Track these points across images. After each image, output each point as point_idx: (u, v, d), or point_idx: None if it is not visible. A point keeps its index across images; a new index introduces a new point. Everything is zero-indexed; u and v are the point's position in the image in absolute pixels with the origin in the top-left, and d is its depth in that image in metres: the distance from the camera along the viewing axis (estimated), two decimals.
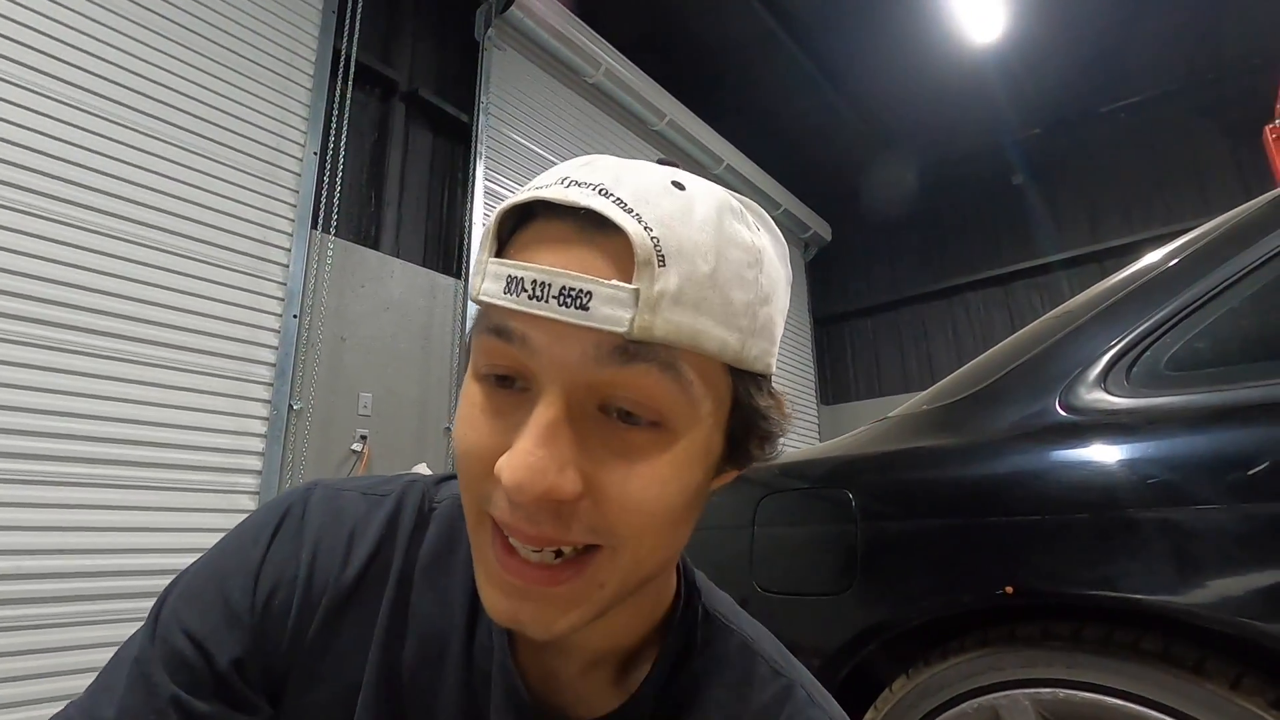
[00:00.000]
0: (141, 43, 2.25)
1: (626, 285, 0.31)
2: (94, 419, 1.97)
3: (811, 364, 6.24)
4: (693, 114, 4.70)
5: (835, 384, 6.44)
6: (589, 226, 0.32)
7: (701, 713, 0.43)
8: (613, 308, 0.30)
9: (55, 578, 1.83)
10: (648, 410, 0.32)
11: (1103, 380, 0.90)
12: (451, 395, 3.11)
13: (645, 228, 0.31)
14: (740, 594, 1.04)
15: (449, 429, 3.06)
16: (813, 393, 6.14)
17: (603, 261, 0.32)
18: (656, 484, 0.33)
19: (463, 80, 3.54)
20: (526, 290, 0.31)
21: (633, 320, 0.30)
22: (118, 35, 2.19)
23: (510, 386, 0.34)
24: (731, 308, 0.34)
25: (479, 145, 3.43)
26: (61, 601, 1.83)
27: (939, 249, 6.04)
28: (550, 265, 0.32)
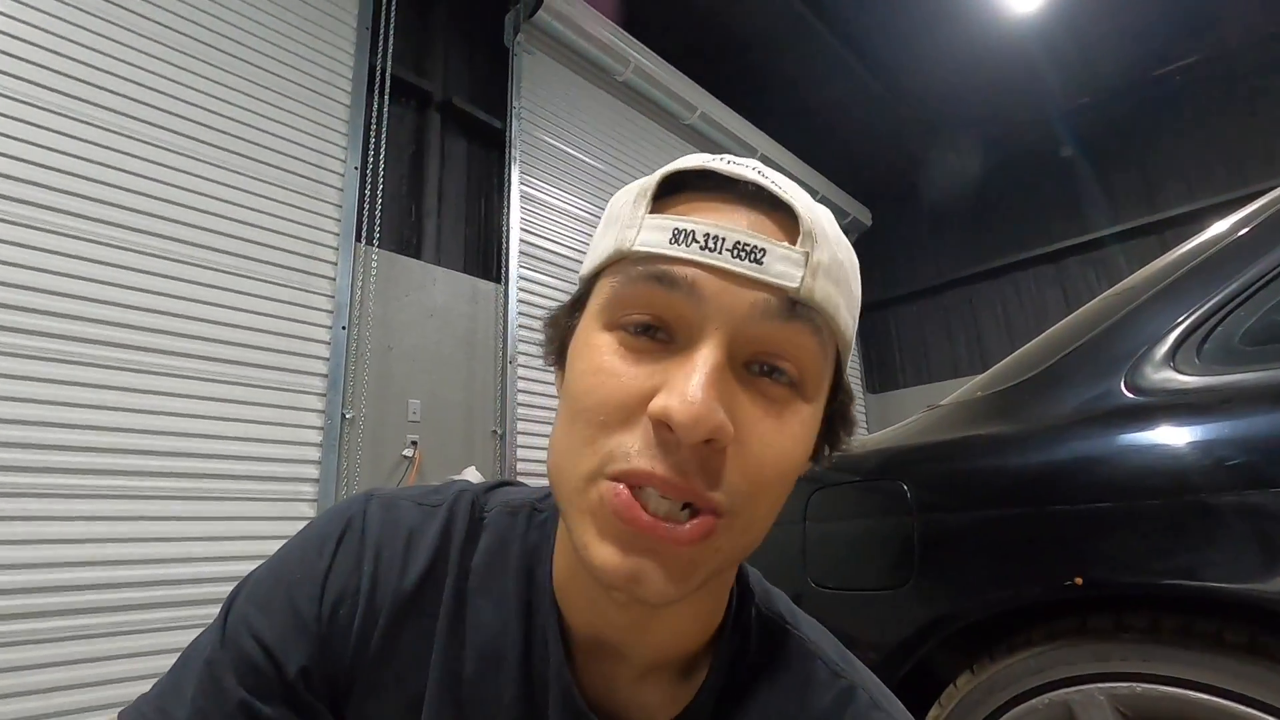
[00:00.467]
0: (188, 70, 2.34)
1: (796, 248, 0.34)
2: (160, 434, 2.06)
3: (856, 352, 6.13)
4: (725, 106, 4.66)
5: (881, 372, 6.31)
6: (747, 198, 0.35)
7: (760, 719, 0.42)
8: (785, 265, 0.33)
9: (130, 587, 1.92)
10: (792, 369, 0.35)
11: (1171, 358, 0.86)
12: (496, 398, 3.15)
13: (802, 208, 0.35)
14: (794, 591, 1.03)
15: (495, 432, 3.11)
16: (859, 382, 6.03)
17: (768, 228, 0.34)
18: (790, 440, 0.35)
19: (495, 87, 3.57)
20: (698, 241, 0.33)
21: (801, 279, 0.33)
22: (166, 65, 2.29)
23: (650, 334, 0.35)
24: (852, 297, 0.38)
25: (513, 150, 3.46)
26: (137, 609, 1.92)
27: (985, 228, 5.85)
28: (721, 224, 0.34)
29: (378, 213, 2.83)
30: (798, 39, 4.57)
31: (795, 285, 0.33)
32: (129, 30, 2.22)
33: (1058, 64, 4.90)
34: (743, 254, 0.33)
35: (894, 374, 6.24)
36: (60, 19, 2.08)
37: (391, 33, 3.01)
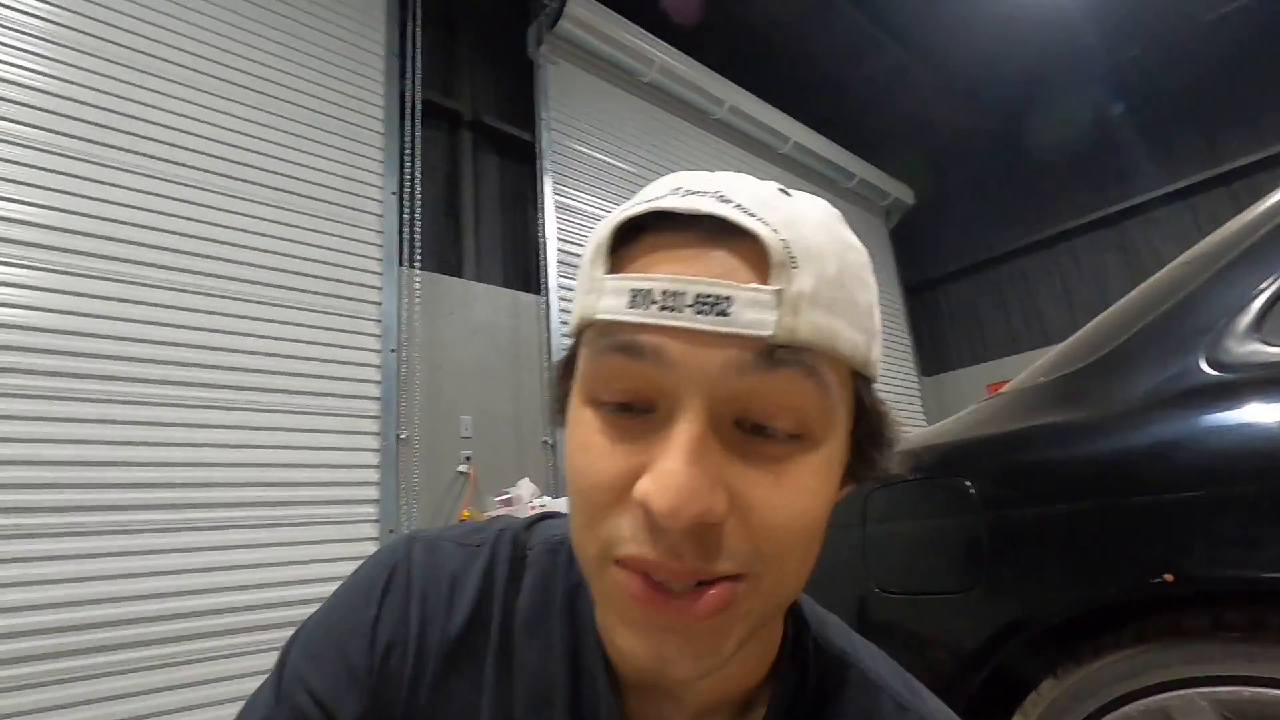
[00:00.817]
0: (226, 113, 2.43)
1: (766, 287, 0.29)
2: (225, 466, 2.14)
3: (907, 336, 5.96)
4: (753, 96, 4.59)
5: (935, 354, 6.11)
6: (712, 233, 0.31)
7: None
8: (755, 311, 0.29)
9: (206, 615, 2.00)
10: (789, 421, 0.31)
11: (1257, 328, 0.79)
12: (544, 409, 3.17)
13: (773, 230, 0.30)
14: (857, 596, 0.99)
15: (546, 442, 3.13)
16: (911, 366, 5.86)
17: (734, 266, 0.30)
18: (802, 497, 0.31)
19: (522, 101, 3.60)
20: (656, 301, 0.30)
21: (777, 323, 0.29)
22: (207, 110, 2.38)
23: (629, 411, 0.32)
24: (858, 309, 0.33)
25: (544, 161, 3.48)
26: (215, 636, 2.00)
27: (1035, 196, 5.60)
28: (678, 274, 0.30)
29: (417, 235, 2.89)
30: (823, 21, 4.47)
31: (769, 332, 0.29)
32: (169, 80, 2.32)
33: (1101, 20, 4.66)
34: (706, 306, 0.29)
35: (948, 354, 6.04)
36: (100, 74, 2.18)
37: (419, 58, 3.07)
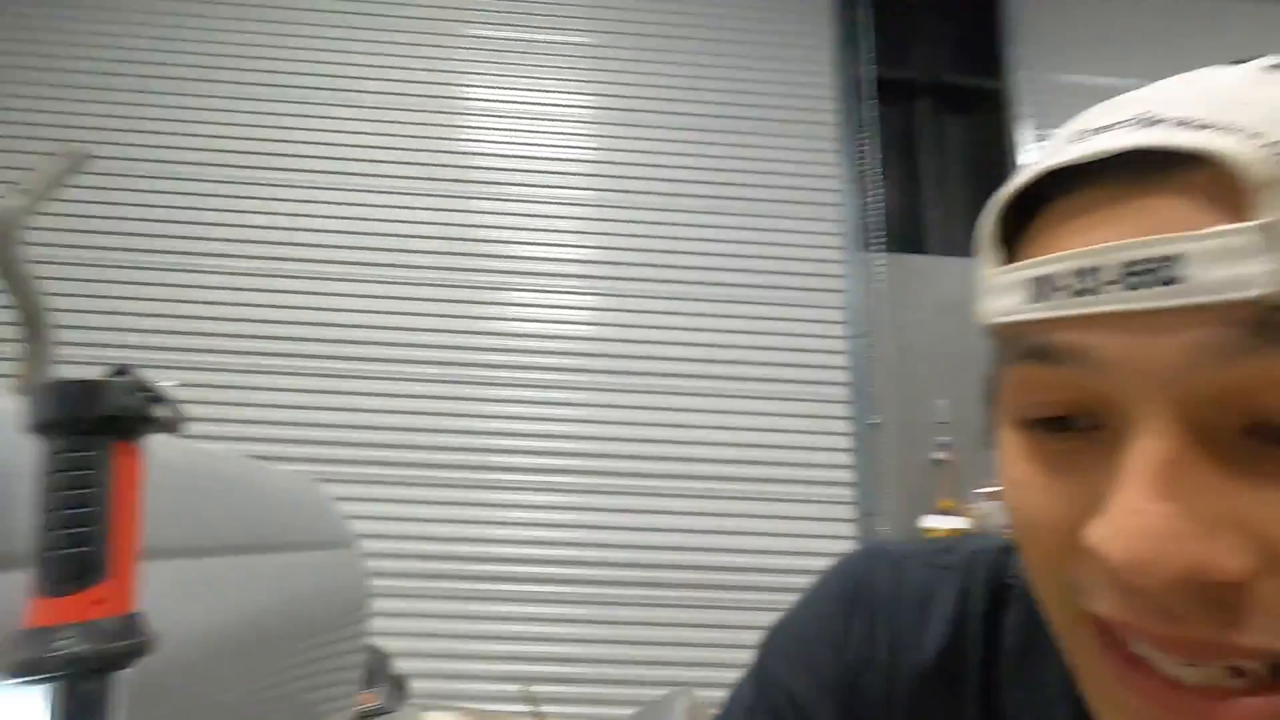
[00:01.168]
0: (698, 143, 2.81)
1: (1241, 225, 0.19)
2: (721, 445, 2.51)
3: None
4: None
5: None
6: (1137, 175, 0.22)
7: None
8: (1227, 265, 0.19)
9: (709, 570, 2.40)
10: None
11: None
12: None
13: (1249, 136, 0.19)
14: None
15: None
16: None
17: (1182, 212, 0.21)
18: None
19: (983, 46, 3.20)
20: (1065, 287, 0.22)
21: (1273, 273, 0.19)
22: (683, 132, 2.80)
23: (1068, 428, 0.25)
24: None
25: (1018, 107, 3.02)
26: (709, 589, 2.38)
27: None
28: (1091, 244, 0.22)
29: (876, 217, 2.86)
30: None
31: (1258, 291, 0.18)
32: (669, 129, 2.81)
33: None
34: (1140, 278, 0.20)
35: None
36: (625, 139, 2.77)
37: (866, 36, 3.02)
